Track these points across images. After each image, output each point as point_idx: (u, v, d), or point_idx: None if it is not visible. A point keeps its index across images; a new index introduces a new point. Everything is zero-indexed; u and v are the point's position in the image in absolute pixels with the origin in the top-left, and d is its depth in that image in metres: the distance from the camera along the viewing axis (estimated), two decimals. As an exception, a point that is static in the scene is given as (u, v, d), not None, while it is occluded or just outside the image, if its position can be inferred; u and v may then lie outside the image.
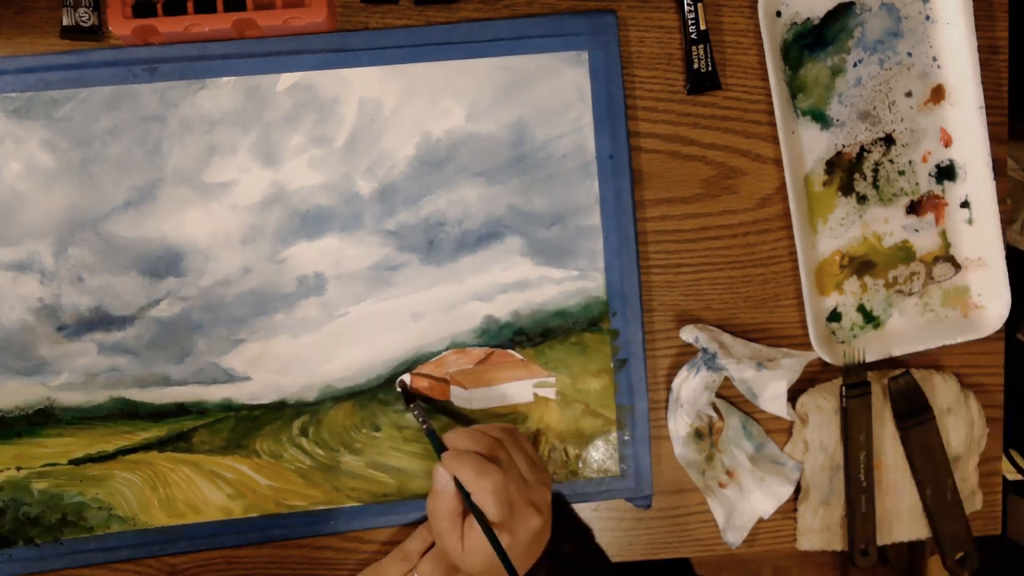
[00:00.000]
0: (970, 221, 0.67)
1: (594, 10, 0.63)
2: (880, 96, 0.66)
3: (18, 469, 0.62)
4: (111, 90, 0.61)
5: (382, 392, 0.63)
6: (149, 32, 0.60)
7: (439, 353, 0.64)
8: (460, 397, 0.64)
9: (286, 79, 0.61)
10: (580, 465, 0.65)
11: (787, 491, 0.65)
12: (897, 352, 0.65)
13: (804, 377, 0.64)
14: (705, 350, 0.63)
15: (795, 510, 0.67)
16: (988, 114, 0.65)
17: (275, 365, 0.63)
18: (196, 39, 0.61)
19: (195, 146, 0.61)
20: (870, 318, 0.67)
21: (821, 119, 0.65)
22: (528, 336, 0.64)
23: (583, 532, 0.66)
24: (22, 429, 0.62)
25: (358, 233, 0.63)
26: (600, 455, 0.65)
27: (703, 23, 0.63)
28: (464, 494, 0.53)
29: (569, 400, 0.64)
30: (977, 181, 0.66)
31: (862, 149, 0.66)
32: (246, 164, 0.62)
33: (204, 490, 0.63)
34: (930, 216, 0.67)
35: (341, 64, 0.62)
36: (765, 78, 0.65)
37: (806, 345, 0.65)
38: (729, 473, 0.65)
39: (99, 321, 0.62)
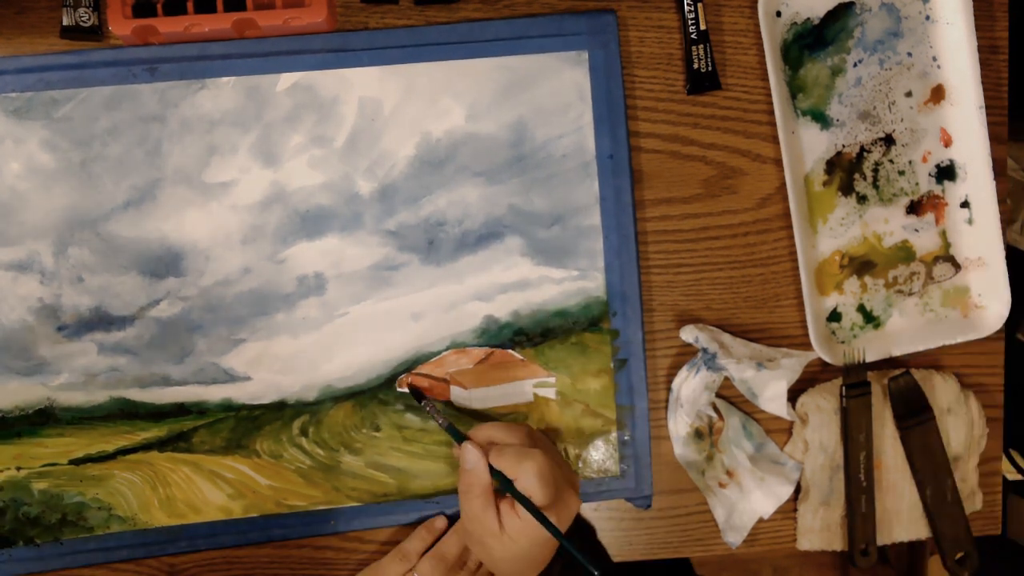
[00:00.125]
0: (970, 221, 0.67)
1: (594, 10, 0.63)
2: (880, 96, 0.66)
3: (18, 469, 0.62)
4: (111, 90, 0.61)
5: (382, 392, 0.63)
6: (149, 32, 0.60)
7: (439, 353, 0.64)
8: (460, 397, 0.64)
9: (286, 79, 0.61)
10: (580, 465, 0.65)
11: (787, 491, 0.65)
12: (897, 352, 0.65)
13: (804, 377, 0.64)
14: (705, 350, 0.63)
15: (795, 510, 0.67)
16: (988, 114, 0.65)
17: (275, 365, 0.63)
18: (196, 39, 0.61)
19: (195, 146, 0.61)
20: (870, 318, 0.67)
21: (821, 119, 0.65)
22: (528, 336, 0.64)
23: (589, 528, 0.66)
24: (22, 429, 0.62)
25: (358, 233, 0.63)
26: (600, 455, 0.65)
27: (703, 23, 0.63)
28: (505, 483, 0.52)
29: (569, 400, 0.64)
30: (977, 181, 0.66)
31: (862, 149, 0.66)
32: (246, 164, 0.62)
33: (204, 490, 0.63)
34: (930, 216, 0.67)
35: (341, 64, 0.62)
36: (765, 78, 0.65)
37: (806, 345, 0.65)
38: (729, 473, 0.65)
39: (99, 321, 0.62)
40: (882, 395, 0.66)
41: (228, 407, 0.63)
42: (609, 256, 0.64)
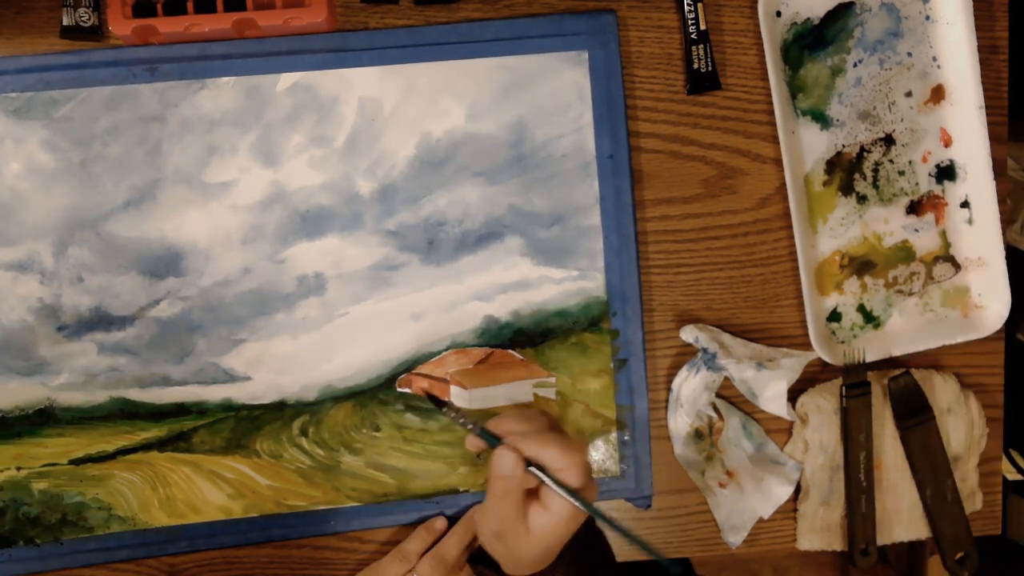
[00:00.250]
0: (970, 221, 0.67)
1: (594, 10, 0.63)
2: (880, 96, 0.66)
3: (18, 469, 0.62)
4: (111, 90, 0.61)
5: (382, 392, 0.64)
6: (149, 32, 0.60)
7: (439, 353, 0.64)
8: (460, 397, 0.64)
9: (286, 79, 0.61)
10: (580, 465, 0.65)
11: (787, 491, 0.65)
12: (897, 352, 0.65)
13: (804, 377, 0.64)
14: (705, 350, 0.63)
15: (795, 510, 0.67)
16: (988, 114, 0.65)
17: (275, 365, 0.63)
18: (196, 39, 0.61)
19: (195, 146, 0.61)
20: (870, 318, 0.67)
21: (821, 119, 0.65)
22: (528, 336, 0.64)
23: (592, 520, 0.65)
24: (22, 429, 0.62)
25: (358, 233, 0.63)
26: (600, 455, 0.65)
27: (703, 23, 0.63)
28: (543, 473, 0.50)
29: (569, 400, 0.64)
30: (977, 181, 0.66)
31: (862, 149, 0.66)
32: (246, 164, 0.62)
33: (204, 490, 0.63)
34: (930, 216, 0.67)
35: (341, 64, 0.62)
36: (765, 78, 0.65)
37: (806, 345, 0.65)
38: (729, 473, 0.65)
39: (99, 321, 0.62)
40: (882, 395, 0.66)
41: (228, 407, 0.63)
42: (609, 256, 0.64)
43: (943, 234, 0.67)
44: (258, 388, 0.63)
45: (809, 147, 0.65)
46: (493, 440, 0.53)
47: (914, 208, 0.67)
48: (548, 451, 0.50)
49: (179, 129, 0.61)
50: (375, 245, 0.63)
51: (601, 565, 0.60)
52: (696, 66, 0.64)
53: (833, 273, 0.66)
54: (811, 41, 0.64)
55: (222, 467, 0.63)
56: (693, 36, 0.63)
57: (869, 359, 0.64)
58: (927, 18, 0.65)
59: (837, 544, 0.66)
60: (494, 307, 0.64)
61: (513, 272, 0.63)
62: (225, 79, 0.61)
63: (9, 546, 0.62)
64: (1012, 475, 0.91)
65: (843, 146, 0.65)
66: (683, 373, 0.65)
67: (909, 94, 0.66)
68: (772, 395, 0.61)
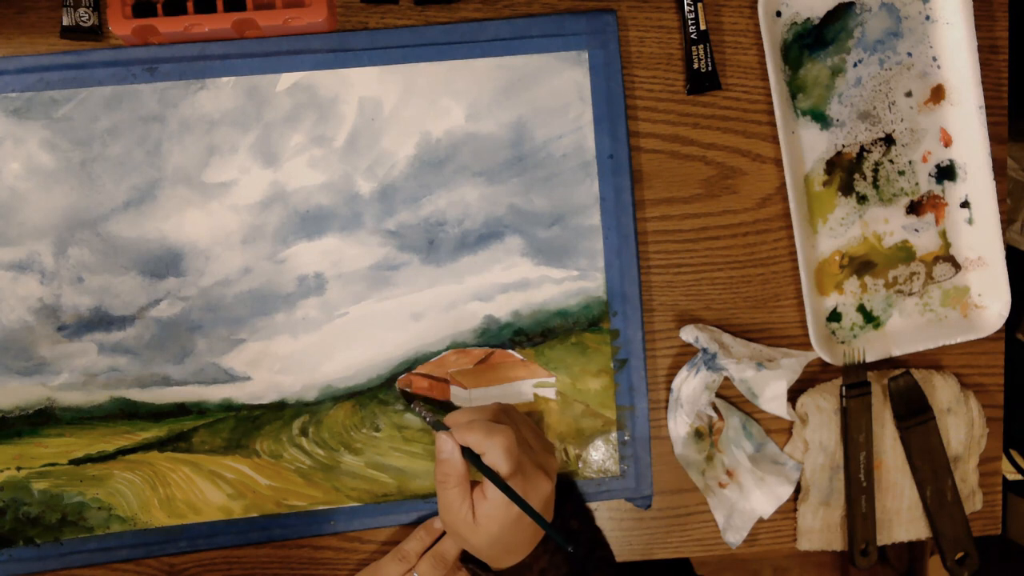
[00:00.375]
0: (970, 221, 0.67)
1: (594, 10, 0.63)
2: (880, 96, 0.66)
3: (18, 469, 0.62)
4: (111, 90, 0.61)
5: (382, 392, 0.64)
6: (149, 32, 0.60)
7: (439, 353, 0.64)
8: (460, 397, 0.64)
9: (286, 79, 0.61)
10: (580, 465, 0.65)
11: (787, 491, 0.65)
12: (897, 352, 0.66)
13: (804, 377, 0.64)
14: (705, 350, 0.63)
15: (795, 510, 0.67)
16: (988, 114, 0.65)
17: (275, 365, 0.63)
18: (196, 39, 0.61)
19: (195, 146, 0.61)
20: (870, 318, 0.67)
21: (821, 119, 0.65)
22: (528, 336, 0.64)
23: (588, 512, 0.66)
24: (22, 429, 0.62)
25: (358, 233, 0.63)
26: (600, 455, 0.65)
27: (703, 23, 0.63)
28: (474, 460, 0.53)
29: (569, 400, 0.64)
30: (977, 181, 0.66)
31: (862, 149, 0.66)
32: (246, 164, 0.62)
33: (204, 490, 0.63)
34: (930, 216, 0.67)
35: (341, 64, 0.62)
36: (765, 78, 0.65)
37: (806, 345, 0.65)
38: (729, 473, 0.65)
39: (99, 321, 0.62)
40: (882, 395, 0.66)
41: (228, 407, 0.63)
42: (609, 256, 0.64)
43: (943, 234, 0.67)
44: (258, 388, 0.63)
45: (809, 147, 0.65)
46: (439, 427, 0.56)
47: (914, 208, 0.67)
48: (472, 435, 0.53)
49: (179, 129, 0.61)
50: (375, 245, 0.63)
51: (594, 560, 0.60)
52: (696, 66, 0.64)
53: (833, 273, 0.66)
54: (811, 41, 0.64)
55: (222, 467, 0.63)
56: (693, 36, 0.63)
57: (869, 359, 0.64)
58: (927, 18, 0.65)
59: (837, 544, 0.66)
60: (494, 307, 0.64)
61: (513, 272, 0.63)
62: (225, 79, 0.61)
63: (9, 546, 0.62)
64: (1012, 475, 0.91)
65: (843, 146, 0.65)
66: (683, 373, 0.65)
67: (909, 94, 0.66)
68: (772, 395, 0.61)
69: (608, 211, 0.63)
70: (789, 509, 0.67)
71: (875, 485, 0.65)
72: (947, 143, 0.66)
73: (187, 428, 0.63)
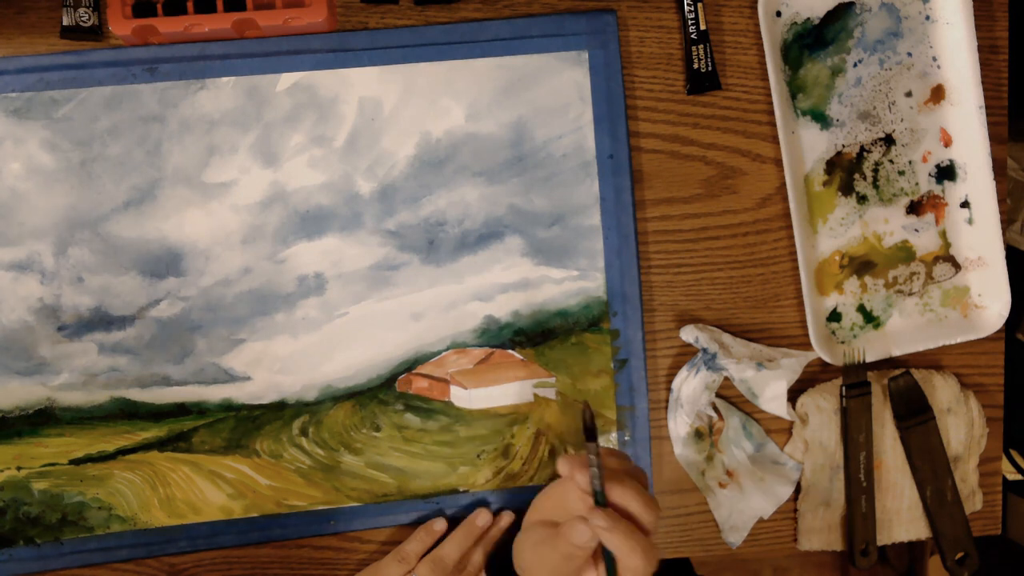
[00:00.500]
0: (970, 221, 0.67)
1: (594, 10, 0.63)
2: (880, 96, 0.66)
3: (18, 469, 0.62)
4: (111, 90, 0.61)
5: (382, 392, 0.64)
6: (149, 32, 0.60)
7: (439, 353, 0.64)
8: (460, 397, 0.64)
9: (286, 79, 0.61)
10: (580, 465, 0.65)
11: (787, 491, 0.65)
12: (897, 352, 0.65)
13: (804, 377, 0.64)
14: (705, 350, 0.63)
15: (795, 510, 0.67)
16: (988, 114, 0.65)
17: (275, 365, 0.63)
18: (196, 39, 0.61)
19: (195, 146, 0.61)
20: (870, 318, 0.67)
21: (821, 119, 0.65)
22: (528, 336, 0.64)
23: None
24: (22, 429, 0.62)
25: (358, 233, 0.63)
26: (600, 455, 0.65)
27: (703, 23, 0.63)
28: (610, 565, 0.47)
29: (569, 400, 0.64)
30: (977, 181, 0.66)
31: (862, 149, 0.66)
32: (246, 164, 0.62)
33: (204, 490, 0.63)
34: (930, 216, 0.67)
35: (341, 64, 0.62)
36: (765, 78, 0.65)
37: (806, 345, 0.65)
38: (729, 473, 0.65)
39: (99, 321, 0.62)
40: (882, 395, 0.66)
41: (228, 407, 0.63)
42: (609, 256, 0.64)
43: (943, 234, 0.67)
44: (258, 388, 0.63)
45: (809, 147, 0.65)
46: (600, 501, 0.47)
47: (914, 208, 0.67)
48: (616, 539, 0.45)
49: (179, 129, 0.61)
50: (375, 245, 0.63)
51: None
52: (696, 66, 0.64)
53: (833, 273, 0.66)
54: (811, 41, 0.64)
55: (222, 467, 0.63)
56: (693, 36, 0.63)
57: (869, 359, 0.64)
58: (927, 18, 0.65)
59: (837, 544, 0.66)
60: (494, 307, 0.64)
61: (513, 272, 0.63)
62: (225, 79, 0.61)
63: (9, 546, 0.62)
64: (1012, 475, 0.91)
65: (843, 146, 0.65)
66: (683, 373, 0.65)
67: (909, 94, 0.66)
68: (772, 395, 0.61)
69: (608, 211, 0.63)
70: (789, 509, 0.67)
71: (875, 485, 0.65)
72: (947, 143, 0.66)
73: (187, 428, 0.63)
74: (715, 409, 0.65)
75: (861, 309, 0.66)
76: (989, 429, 0.68)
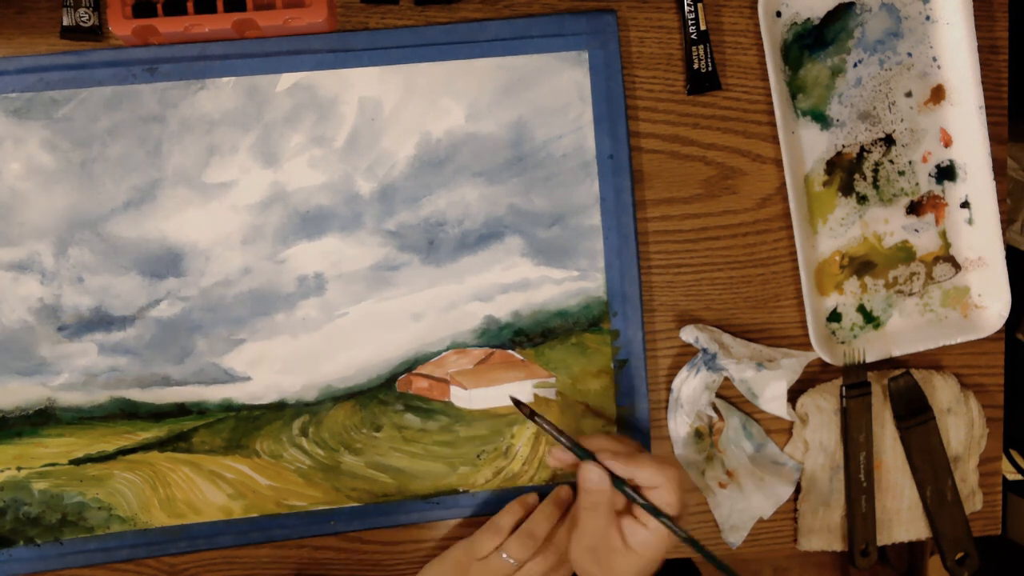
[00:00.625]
0: (970, 221, 0.67)
1: (594, 10, 0.63)
2: (880, 96, 0.66)
3: (18, 469, 0.62)
4: (111, 90, 0.61)
5: (382, 392, 0.64)
6: (149, 32, 0.60)
7: (439, 353, 0.64)
8: (460, 397, 0.64)
9: (286, 79, 0.61)
10: (580, 465, 0.65)
11: (787, 491, 0.65)
12: (897, 352, 0.66)
13: (804, 377, 0.64)
14: (705, 350, 0.63)
15: (795, 510, 0.67)
16: (988, 114, 0.65)
17: (275, 365, 0.63)
18: (196, 39, 0.61)
19: (195, 146, 0.61)
20: (870, 318, 0.67)
21: (821, 119, 0.65)
22: (528, 336, 0.64)
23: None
24: (22, 429, 0.62)
25: (358, 233, 0.63)
26: (600, 455, 0.65)
27: (703, 23, 0.63)
28: (624, 490, 0.51)
29: (569, 400, 0.64)
30: (977, 181, 0.66)
31: (862, 149, 0.66)
32: (246, 164, 0.62)
33: (204, 490, 0.63)
34: (930, 216, 0.67)
35: (341, 64, 0.62)
36: (765, 78, 0.65)
37: (806, 345, 0.65)
38: (729, 473, 0.65)
39: (99, 321, 0.62)
40: (882, 395, 0.66)
41: (228, 407, 0.63)
42: (609, 256, 0.64)
43: (943, 234, 0.67)
44: (258, 388, 0.63)
45: (809, 147, 0.65)
46: (583, 453, 0.53)
47: (914, 208, 0.67)
48: (643, 471, 0.51)
49: (179, 129, 0.61)
50: (375, 245, 0.63)
51: None
52: (696, 66, 0.64)
53: (833, 273, 0.66)
54: (811, 41, 0.64)
55: (222, 467, 0.63)
56: (693, 36, 0.63)
57: (869, 359, 0.64)
58: (927, 18, 0.65)
59: (837, 544, 0.66)
60: (494, 307, 0.64)
61: (513, 272, 0.63)
62: (225, 79, 0.61)
63: (9, 546, 0.62)
64: (1012, 475, 0.91)
65: (843, 146, 0.65)
66: (683, 373, 0.65)
67: (909, 94, 0.66)
68: (772, 395, 0.61)
69: (608, 211, 0.63)
70: (789, 509, 0.67)
71: (875, 485, 0.65)
72: (947, 143, 0.66)
73: (187, 428, 0.63)
74: (715, 409, 0.65)
75: (861, 309, 0.66)
76: (989, 429, 0.68)
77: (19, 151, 0.61)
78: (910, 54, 0.66)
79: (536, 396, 0.64)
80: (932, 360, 0.68)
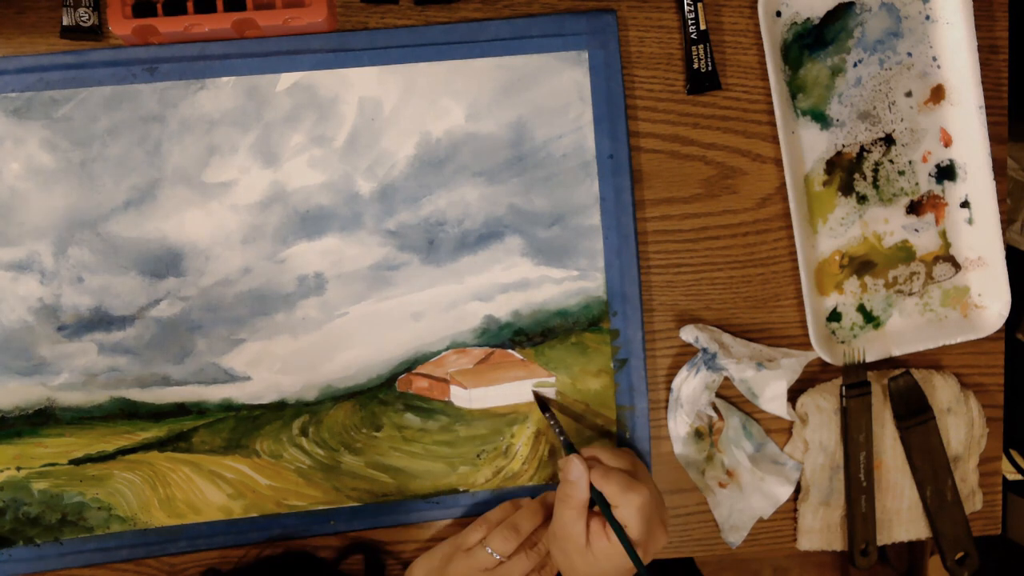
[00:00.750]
0: (970, 221, 0.67)
1: (594, 10, 0.63)
2: (880, 96, 0.66)
3: (18, 469, 0.62)
4: (111, 90, 0.61)
5: (382, 392, 0.64)
6: (149, 32, 0.60)
7: (439, 353, 0.64)
8: (460, 397, 0.64)
9: (286, 79, 0.61)
10: (580, 465, 0.65)
11: (787, 491, 0.65)
12: (897, 352, 0.65)
13: (804, 377, 0.64)
14: (705, 350, 0.63)
15: (795, 510, 0.67)
16: (988, 114, 0.65)
17: (275, 365, 0.63)
18: (196, 39, 0.61)
19: (195, 146, 0.61)
20: (870, 318, 0.67)
21: (821, 119, 0.65)
22: (528, 336, 0.64)
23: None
24: (22, 429, 0.62)
25: (358, 233, 0.63)
26: (600, 455, 0.65)
27: (703, 23, 0.63)
28: (602, 504, 0.54)
29: (569, 400, 0.64)
30: (977, 181, 0.66)
31: (862, 149, 0.66)
32: (246, 164, 0.62)
33: (204, 490, 0.63)
34: (930, 216, 0.67)
35: (341, 64, 0.62)
36: (765, 78, 0.65)
37: (806, 345, 0.65)
38: (729, 473, 0.65)
39: (99, 321, 0.62)
40: (882, 395, 0.66)
41: (228, 407, 0.63)
42: (609, 256, 0.64)
43: (943, 234, 0.67)
44: (258, 388, 0.63)
45: (809, 147, 0.65)
46: (570, 448, 0.58)
47: (914, 208, 0.67)
48: (610, 486, 0.54)
49: (179, 129, 0.61)
50: (375, 245, 0.63)
51: None
52: (696, 66, 0.64)
53: (833, 273, 0.66)
54: (811, 41, 0.64)
55: (222, 467, 0.63)
56: (693, 36, 0.63)
57: (869, 359, 0.64)
58: (927, 18, 0.65)
59: (837, 544, 0.66)
60: (494, 307, 0.64)
61: (513, 272, 0.63)
62: (225, 79, 0.61)
63: (9, 546, 0.62)
64: (1012, 475, 0.91)
65: (843, 146, 0.65)
66: (683, 373, 0.65)
67: (909, 94, 0.66)
68: (772, 395, 0.61)
69: (608, 211, 0.63)
70: (789, 509, 0.67)
71: (875, 485, 0.65)
72: (947, 143, 0.66)
73: (187, 428, 0.63)
74: (715, 409, 0.65)
75: (861, 309, 0.66)
76: (989, 429, 0.68)
77: (19, 151, 0.61)
78: (910, 54, 0.66)
79: (536, 396, 0.64)
80: (932, 360, 0.68)
